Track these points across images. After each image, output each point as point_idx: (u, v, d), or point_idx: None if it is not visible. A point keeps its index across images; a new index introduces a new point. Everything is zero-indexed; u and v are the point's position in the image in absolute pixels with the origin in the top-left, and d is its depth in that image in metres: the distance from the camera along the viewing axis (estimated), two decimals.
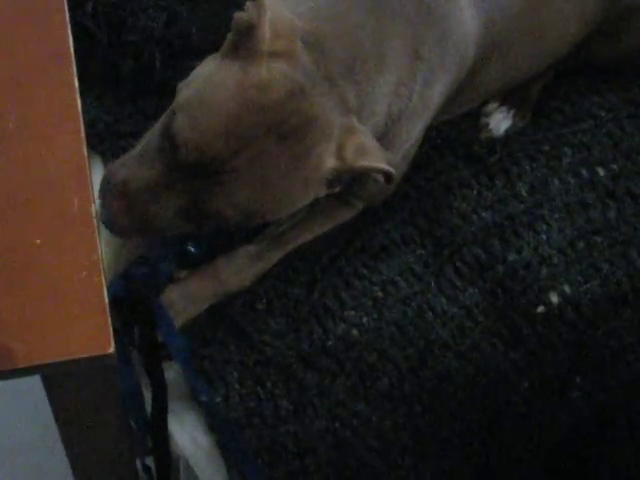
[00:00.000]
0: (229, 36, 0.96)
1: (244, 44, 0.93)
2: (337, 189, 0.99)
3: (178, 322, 1.07)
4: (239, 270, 1.11)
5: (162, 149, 0.92)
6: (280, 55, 0.93)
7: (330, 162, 0.95)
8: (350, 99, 0.97)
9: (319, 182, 0.96)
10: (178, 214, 0.94)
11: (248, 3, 0.95)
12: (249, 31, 0.93)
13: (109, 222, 0.94)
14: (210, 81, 0.96)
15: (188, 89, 0.96)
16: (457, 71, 1.09)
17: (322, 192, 0.98)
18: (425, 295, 1.13)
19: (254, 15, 0.93)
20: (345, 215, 1.16)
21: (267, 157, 0.92)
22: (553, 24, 1.20)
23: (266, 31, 0.92)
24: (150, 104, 1.24)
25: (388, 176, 0.97)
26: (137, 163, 0.95)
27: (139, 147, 0.96)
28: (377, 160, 0.96)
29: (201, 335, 1.08)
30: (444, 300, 1.13)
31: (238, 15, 0.95)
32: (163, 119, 0.95)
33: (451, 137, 1.24)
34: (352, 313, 1.11)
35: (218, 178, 0.91)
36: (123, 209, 0.92)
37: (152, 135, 0.96)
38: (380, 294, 1.12)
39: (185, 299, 1.09)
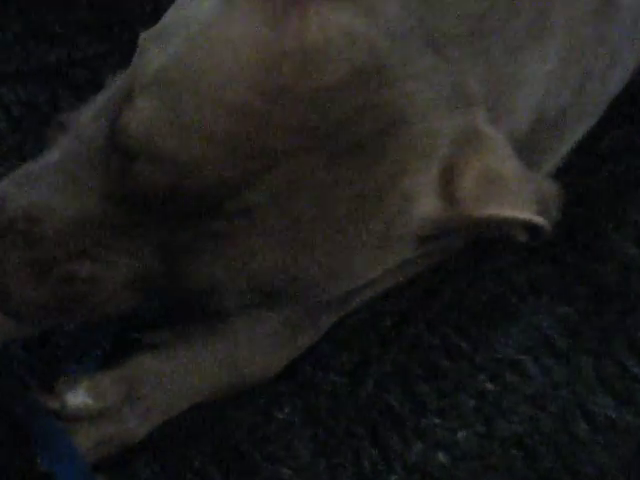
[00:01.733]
0: None
1: None
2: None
3: (143, 428, 0.72)
4: (267, 352, 0.77)
5: (106, 163, 0.58)
6: None
7: (428, 204, 0.62)
8: (471, 83, 0.65)
9: (403, 239, 0.63)
10: (132, 281, 0.61)
11: None
12: None
13: None
14: (205, 37, 0.60)
15: (159, 49, 0.60)
16: None
17: (406, 254, 0.66)
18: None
19: None
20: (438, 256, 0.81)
21: (311, 191, 0.59)
22: None
23: None
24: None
25: (535, 231, 0.65)
26: (57, 182, 0.61)
27: (59, 149, 0.62)
28: (519, 203, 0.64)
29: (166, 459, 0.72)
30: None
31: None
32: (110, 102, 0.61)
33: None
34: (442, 423, 0.74)
35: (213, 225, 0.57)
36: (27, 272, 0.59)
37: (84, 127, 0.61)
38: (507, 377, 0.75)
39: (167, 388, 0.73)
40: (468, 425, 0.73)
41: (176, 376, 0.73)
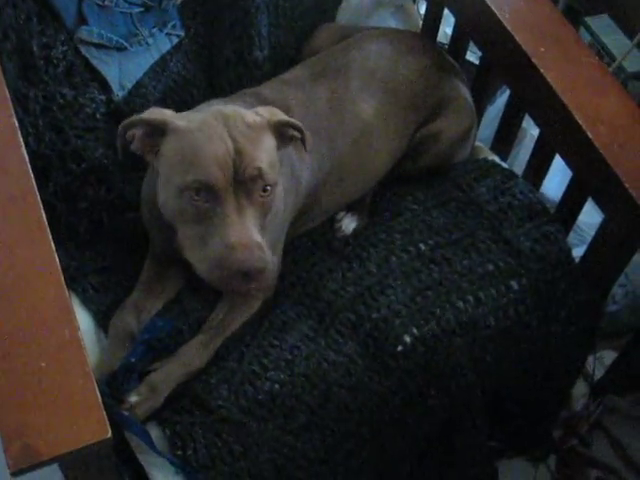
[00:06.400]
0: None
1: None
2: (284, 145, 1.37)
3: (160, 399, 1.40)
4: (196, 355, 1.43)
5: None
6: None
7: (251, 119, 1.33)
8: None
9: (266, 135, 1.33)
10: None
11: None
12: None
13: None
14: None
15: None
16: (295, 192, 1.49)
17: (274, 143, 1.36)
18: (320, 352, 1.42)
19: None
20: (254, 305, 1.50)
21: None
22: (372, 161, 1.61)
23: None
24: (104, 247, 1.55)
25: (301, 132, 1.34)
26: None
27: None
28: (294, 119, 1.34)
29: (171, 408, 1.41)
30: (332, 353, 1.42)
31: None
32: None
33: (316, 238, 1.58)
34: (272, 373, 1.40)
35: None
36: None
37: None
38: (289, 356, 1.41)
39: (164, 381, 1.41)
40: (284, 372, 1.38)
41: (163, 378, 1.41)
